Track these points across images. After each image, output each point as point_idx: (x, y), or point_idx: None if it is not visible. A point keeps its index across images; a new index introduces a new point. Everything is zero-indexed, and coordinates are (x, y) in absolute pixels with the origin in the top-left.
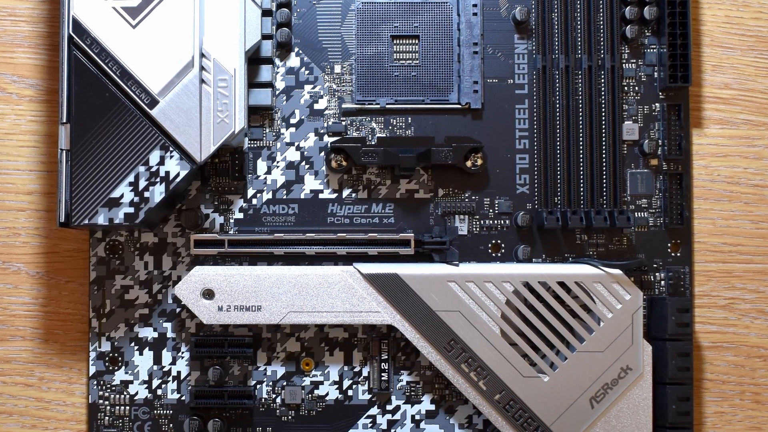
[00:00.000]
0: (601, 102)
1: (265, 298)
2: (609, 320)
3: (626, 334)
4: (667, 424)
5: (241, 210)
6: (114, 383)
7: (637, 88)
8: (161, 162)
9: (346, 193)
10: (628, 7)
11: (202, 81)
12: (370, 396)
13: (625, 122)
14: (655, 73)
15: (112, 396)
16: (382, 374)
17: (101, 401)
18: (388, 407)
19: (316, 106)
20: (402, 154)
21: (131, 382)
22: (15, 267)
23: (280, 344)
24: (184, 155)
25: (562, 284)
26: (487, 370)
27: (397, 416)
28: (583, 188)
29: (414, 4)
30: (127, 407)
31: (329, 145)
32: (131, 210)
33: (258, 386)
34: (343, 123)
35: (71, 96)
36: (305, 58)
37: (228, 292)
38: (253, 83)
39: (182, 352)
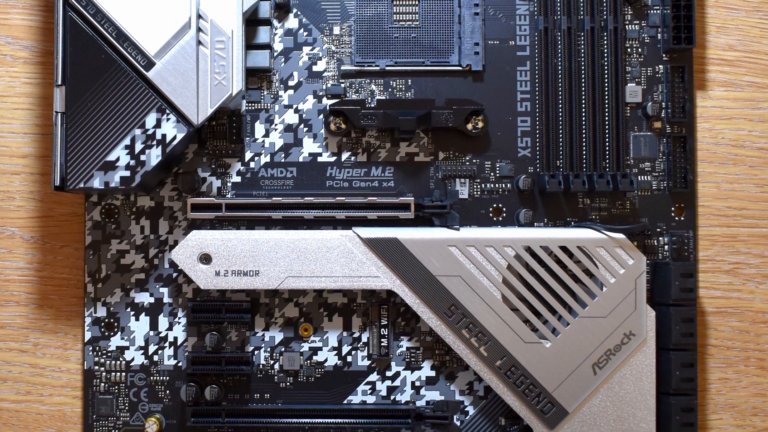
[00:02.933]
0: (603, 64)
1: (263, 262)
2: (612, 285)
3: (629, 299)
4: (671, 391)
5: (238, 173)
6: (110, 349)
7: (640, 49)
8: (158, 125)
9: (345, 156)
10: None
11: (199, 43)
12: (370, 362)
13: (628, 84)
14: (659, 35)
15: (108, 362)
16: (382, 340)
17: (97, 367)
18: (388, 373)
19: (315, 68)
20: (402, 116)
21: (127, 348)
22: (9, 231)
23: (278, 310)
24: (181, 118)
25: (564, 249)
26: (488, 335)
27: (397, 382)
28: (585, 151)
29: None
30: (123, 373)
31: (328, 108)
32: (127, 173)
33: (256, 352)
34: (342, 85)
35: (66, 58)
36: (304, 20)
37: (225, 256)
38: (250, 45)
39: (179, 318)
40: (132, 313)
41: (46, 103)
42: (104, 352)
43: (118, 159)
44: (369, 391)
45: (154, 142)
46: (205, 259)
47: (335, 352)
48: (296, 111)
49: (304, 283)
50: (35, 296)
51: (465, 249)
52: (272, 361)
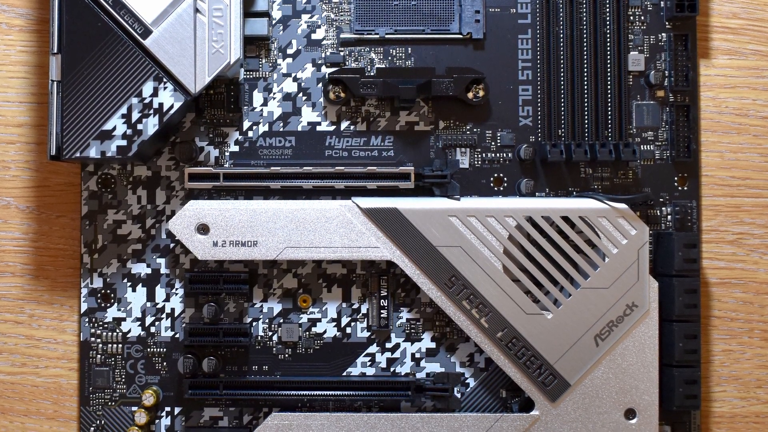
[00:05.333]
0: (606, 32)
1: (261, 233)
2: (614, 256)
3: (632, 270)
4: (674, 362)
5: (236, 143)
6: (106, 320)
7: (643, 17)
8: (155, 93)
9: (344, 125)
10: None
11: (197, 10)
12: (369, 333)
13: (631, 53)
14: (662, 2)
15: (104, 333)
16: (382, 311)
17: (93, 339)
18: (388, 345)
19: (314, 36)
20: (402, 85)
21: (124, 319)
22: (4, 201)
23: (277, 281)
24: (178, 86)
25: (565, 219)
26: (489, 307)
27: (397, 354)
28: (587, 120)
29: None
30: (120, 345)
31: (327, 76)
32: (124, 143)
33: (254, 324)
34: (342, 53)
35: (62, 26)
36: None
37: (223, 227)
38: (248, 12)
39: (176, 289)
40: (128, 284)
41: (42, 71)
42: (100, 323)
43: (114, 128)
44: (368, 363)
45: (151, 111)
46: (203, 229)
47: (334, 323)
48: (295, 79)
49: (303, 253)
50: (31, 267)
51: (466, 219)
52: (270, 333)
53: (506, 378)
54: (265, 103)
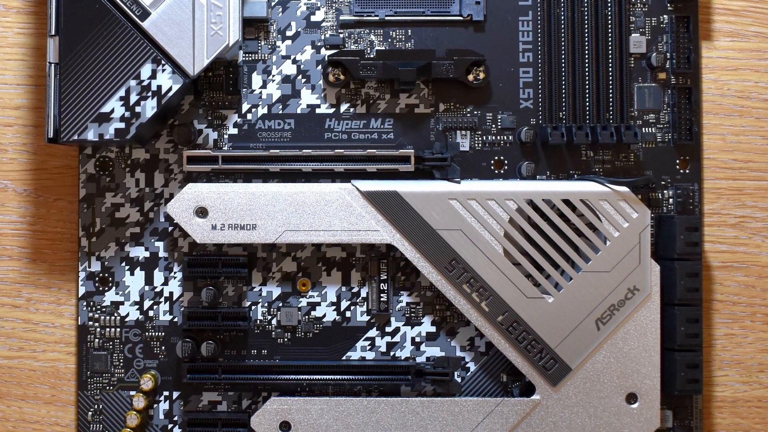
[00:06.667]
0: (607, 14)
1: (260, 216)
2: (615, 239)
3: (633, 253)
4: (676, 347)
5: (235, 125)
6: (104, 304)
7: None
8: (153, 76)
9: (344, 107)
10: None
11: None
12: (369, 317)
13: (632, 35)
14: None
15: (102, 317)
16: (381, 295)
17: (91, 323)
18: (388, 329)
19: (313, 18)
20: (402, 67)
21: (122, 303)
22: (2, 184)
23: (276, 264)
24: (177, 69)
25: (567, 202)
26: (490, 290)
27: (397, 338)
28: (588, 103)
29: None
30: (118, 329)
31: (326, 59)
32: (122, 125)
33: (253, 307)
34: (341, 35)
35: (60, 7)
36: None
37: (222, 210)
38: None
39: (174, 272)
40: (127, 267)
41: (40, 53)
42: (98, 307)
43: (112, 110)
44: (368, 347)
45: (150, 94)
46: (202, 212)
47: (334, 307)
48: (294, 62)
49: (303, 236)
50: (28, 250)
51: (466, 202)
52: (270, 317)
53: (507, 362)
54: (264, 86)
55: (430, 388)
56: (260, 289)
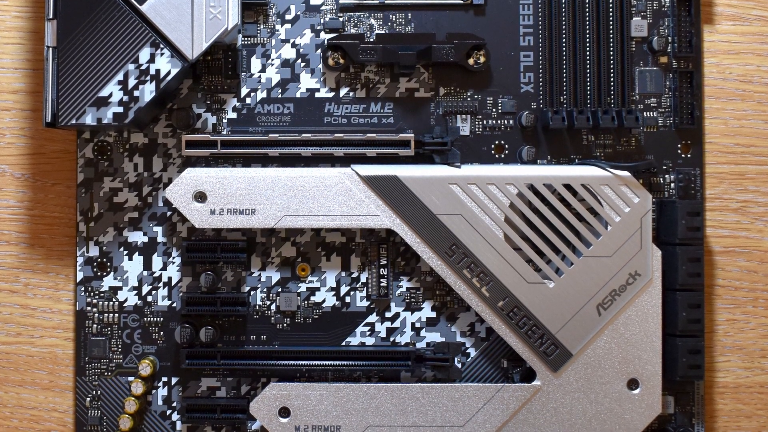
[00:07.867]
0: None
1: (259, 201)
2: (617, 224)
3: (635, 238)
4: (677, 332)
5: (234, 109)
6: (102, 289)
7: None
8: (151, 60)
9: (343, 91)
10: None
11: None
12: (369, 303)
13: (634, 18)
14: None
15: (101, 303)
16: (381, 280)
17: (89, 308)
18: (387, 314)
19: (313, 2)
20: (401, 51)
21: (120, 288)
22: None
23: (275, 249)
24: (175, 52)
25: (567, 186)
26: (490, 275)
27: (397, 324)
28: (589, 87)
29: None
30: (116, 314)
31: (326, 42)
32: (120, 109)
33: (252, 293)
34: (341, 19)
35: None
36: None
37: (221, 194)
38: None
39: (173, 258)
40: (125, 252)
41: (37, 37)
42: (97, 292)
43: (110, 95)
44: (368, 333)
45: (148, 78)
46: (200, 197)
47: (333, 292)
48: (293, 45)
49: (302, 221)
50: (26, 235)
51: (466, 187)
52: (269, 302)
53: (507, 348)
54: (263, 70)
55: (430, 373)
56: (259, 275)
